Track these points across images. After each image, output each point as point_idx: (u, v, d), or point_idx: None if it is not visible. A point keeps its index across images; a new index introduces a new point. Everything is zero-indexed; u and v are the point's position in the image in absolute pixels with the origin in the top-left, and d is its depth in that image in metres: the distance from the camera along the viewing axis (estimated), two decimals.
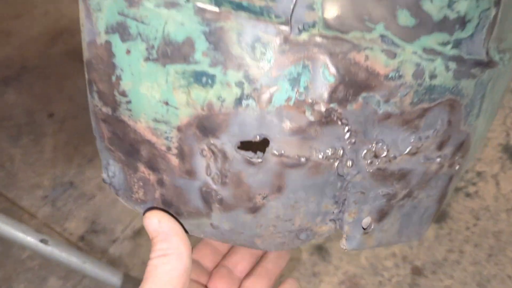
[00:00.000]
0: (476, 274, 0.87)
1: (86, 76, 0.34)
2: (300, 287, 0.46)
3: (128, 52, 0.31)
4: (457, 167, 0.41)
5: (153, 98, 0.32)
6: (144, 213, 0.37)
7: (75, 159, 1.43)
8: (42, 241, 0.65)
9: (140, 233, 1.18)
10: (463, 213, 0.96)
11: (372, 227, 0.38)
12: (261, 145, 0.33)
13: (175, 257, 0.34)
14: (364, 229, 0.38)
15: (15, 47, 1.99)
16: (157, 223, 0.35)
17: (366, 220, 0.37)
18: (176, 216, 0.36)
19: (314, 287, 0.93)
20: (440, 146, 0.37)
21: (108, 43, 0.31)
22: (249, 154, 0.32)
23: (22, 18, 2.17)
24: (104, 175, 0.38)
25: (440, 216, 0.97)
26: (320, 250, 0.99)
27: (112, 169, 0.37)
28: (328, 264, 0.96)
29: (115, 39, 0.31)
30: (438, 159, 0.37)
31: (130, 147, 0.34)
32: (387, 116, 0.33)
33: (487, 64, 0.36)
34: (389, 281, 0.91)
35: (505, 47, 0.41)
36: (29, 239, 0.65)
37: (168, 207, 0.36)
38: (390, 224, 0.39)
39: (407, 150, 0.35)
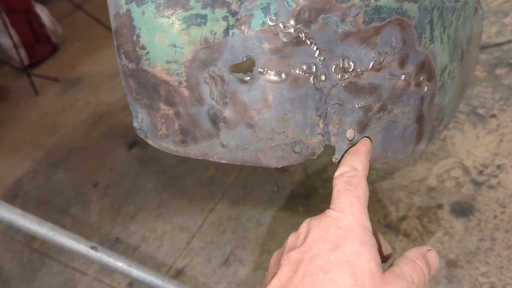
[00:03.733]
0: None
1: (115, 42, 0.45)
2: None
3: (143, 13, 0.42)
4: (425, 89, 0.48)
5: (164, 44, 0.42)
6: None
7: (119, 218, 1.53)
8: (92, 247, 0.73)
9: (183, 271, 1.23)
10: (489, 204, 0.97)
11: (356, 137, 0.45)
12: (249, 70, 0.42)
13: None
14: (349, 140, 0.44)
15: (62, 135, 2.21)
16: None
17: (350, 132, 0.44)
18: (193, 142, 0.44)
19: None
20: (402, 64, 0.45)
21: (128, 11, 0.42)
22: (240, 74, 0.41)
23: (66, 111, 2.42)
24: (135, 124, 0.47)
25: (467, 210, 0.99)
26: None
27: (140, 116, 0.46)
28: None
29: (133, 6, 0.42)
30: (403, 76, 0.45)
31: (152, 90, 0.44)
32: (347, 34, 0.41)
33: None
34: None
35: None
36: (81, 246, 0.73)
37: (186, 135, 0.44)
38: (373, 136, 0.45)
39: (371, 65, 0.43)
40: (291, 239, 0.41)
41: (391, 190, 1.13)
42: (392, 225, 1.04)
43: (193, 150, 0.44)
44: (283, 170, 1.37)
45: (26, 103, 2.65)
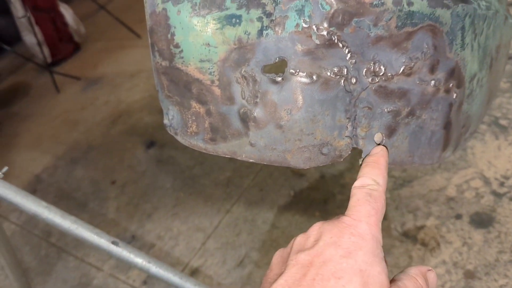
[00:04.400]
0: None
1: (149, 41, 0.46)
2: None
3: (178, 12, 0.43)
4: (454, 95, 0.48)
5: (198, 43, 0.42)
6: None
7: (136, 216, 1.54)
8: (113, 242, 0.74)
9: (197, 271, 1.23)
10: (510, 216, 0.96)
11: (383, 142, 0.45)
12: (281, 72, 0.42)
13: None
14: (377, 144, 0.45)
15: (82, 132, 2.24)
16: None
17: (378, 136, 0.45)
18: (222, 140, 0.45)
19: None
20: (432, 70, 0.45)
21: (164, 10, 0.43)
22: (272, 75, 0.42)
23: (87, 109, 2.46)
24: (165, 121, 0.48)
25: (486, 221, 0.98)
26: None
27: (171, 113, 0.47)
28: None
29: (169, 5, 0.43)
30: (433, 82, 0.45)
31: (184, 88, 0.45)
32: (379, 38, 0.42)
33: None
34: (442, 287, 0.91)
35: None
36: (103, 241, 0.74)
37: (216, 133, 0.45)
38: (400, 141, 0.46)
39: (401, 69, 0.43)
40: (300, 240, 0.41)
41: (410, 198, 1.12)
42: (409, 234, 1.04)
43: (222, 148, 0.45)
44: (300, 174, 1.37)
45: (48, 100, 2.70)
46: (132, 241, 1.44)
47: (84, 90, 2.67)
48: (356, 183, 0.42)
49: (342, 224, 0.39)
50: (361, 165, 0.45)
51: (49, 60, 2.93)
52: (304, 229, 1.20)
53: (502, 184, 1.03)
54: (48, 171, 2.03)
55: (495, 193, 1.02)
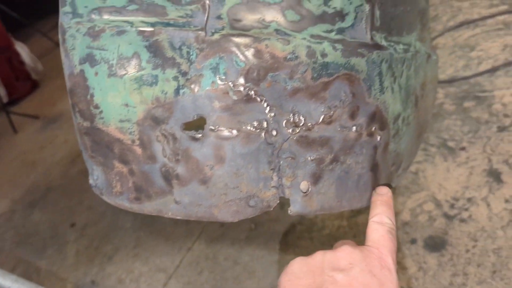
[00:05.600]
0: None
1: (70, 101, 0.45)
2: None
3: (96, 74, 0.43)
4: (378, 138, 0.49)
5: (117, 103, 0.42)
6: None
7: (96, 260, 1.50)
8: None
9: None
10: (461, 238, 0.98)
11: (310, 189, 0.45)
12: (201, 127, 0.42)
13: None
14: (303, 192, 0.45)
15: (40, 173, 2.18)
16: None
17: (304, 185, 0.45)
18: (147, 199, 0.44)
19: None
20: (352, 116, 0.46)
21: (82, 71, 0.43)
22: (191, 132, 0.42)
23: (45, 148, 2.40)
24: (91, 181, 0.47)
25: (439, 244, 0.99)
26: None
27: (96, 173, 0.46)
28: None
29: (87, 67, 0.43)
30: (354, 127, 0.46)
31: (106, 148, 0.44)
32: (296, 91, 0.43)
33: (373, 46, 0.46)
34: None
35: (401, 41, 0.52)
36: None
37: (140, 193, 0.44)
38: (327, 187, 0.46)
39: (321, 118, 0.44)
40: (330, 258, 0.44)
41: (366, 225, 1.13)
42: None
43: (148, 207, 0.45)
44: None
45: (5, 141, 2.62)
46: (92, 286, 1.40)
47: (43, 129, 2.61)
48: (375, 219, 0.48)
49: (373, 255, 0.44)
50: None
51: (5, 100, 2.86)
52: (264, 263, 1.17)
53: (452, 206, 1.05)
54: (5, 216, 1.96)
55: (446, 216, 1.05)
